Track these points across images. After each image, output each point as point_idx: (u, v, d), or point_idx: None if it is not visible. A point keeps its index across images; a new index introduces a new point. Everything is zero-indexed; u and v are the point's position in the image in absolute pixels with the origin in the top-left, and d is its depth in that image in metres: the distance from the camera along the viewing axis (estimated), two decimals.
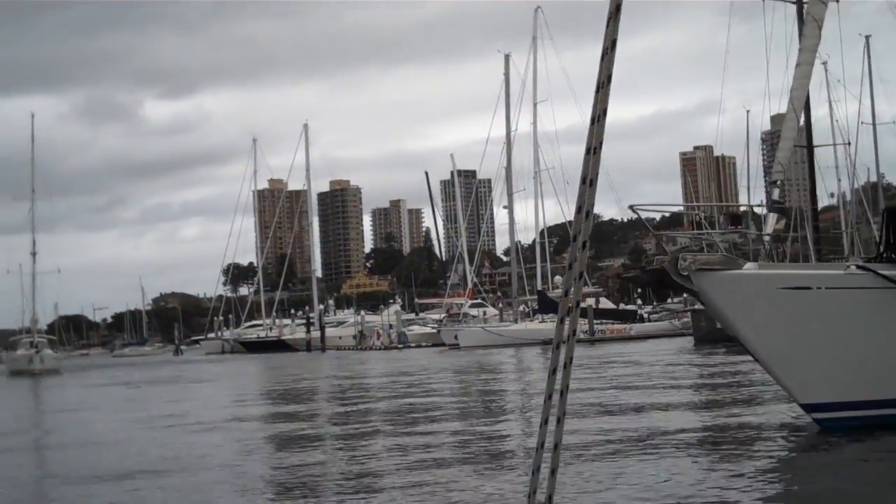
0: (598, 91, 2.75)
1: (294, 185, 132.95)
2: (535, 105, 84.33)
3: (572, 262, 2.97)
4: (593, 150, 2.73)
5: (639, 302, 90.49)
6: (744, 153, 75.20)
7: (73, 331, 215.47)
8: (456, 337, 77.04)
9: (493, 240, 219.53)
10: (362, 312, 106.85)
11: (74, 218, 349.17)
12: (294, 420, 23.02)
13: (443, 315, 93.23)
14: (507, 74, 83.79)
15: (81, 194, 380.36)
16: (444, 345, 79.26)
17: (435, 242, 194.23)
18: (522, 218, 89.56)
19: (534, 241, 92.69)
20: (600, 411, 20.33)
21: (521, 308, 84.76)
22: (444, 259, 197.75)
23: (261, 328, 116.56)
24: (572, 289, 3.20)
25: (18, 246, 79.83)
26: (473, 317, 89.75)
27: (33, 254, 78.84)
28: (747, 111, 76.01)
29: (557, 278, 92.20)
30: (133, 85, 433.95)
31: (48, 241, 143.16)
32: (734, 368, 29.74)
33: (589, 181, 2.77)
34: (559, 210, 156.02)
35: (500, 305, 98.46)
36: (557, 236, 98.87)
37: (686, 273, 14.05)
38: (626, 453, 14.28)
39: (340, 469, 14.30)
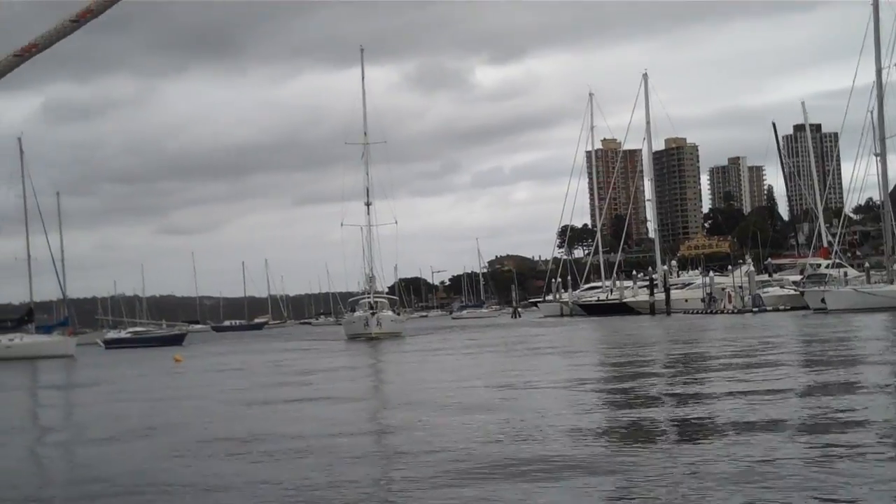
0: None
1: (628, 144, 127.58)
2: None
3: None
4: None
5: None
6: None
7: (412, 293, 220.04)
8: (823, 300, 69.11)
9: (840, 196, 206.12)
10: (711, 273, 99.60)
11: (410, 184, 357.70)
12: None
13: (803, 277, 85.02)
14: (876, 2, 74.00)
15: (416, 161, 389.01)
16: (805, 308, 71.86)
17: (785, 199, 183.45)
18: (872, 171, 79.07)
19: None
20: None
21: (894, 267, 75.34)
22: (790, 217, 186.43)
23: (600, 290, 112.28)
24: None
25: (358, 211, 77.42)
26: (834, 278, 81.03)
27: (367, 204, 76.57)
28: None
29: None
30: (462, 52, 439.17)
31: (386, 207, 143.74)
32: None
33: None
34: None
35: (867, 265, 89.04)
36: None
37: None
38: None
39: None
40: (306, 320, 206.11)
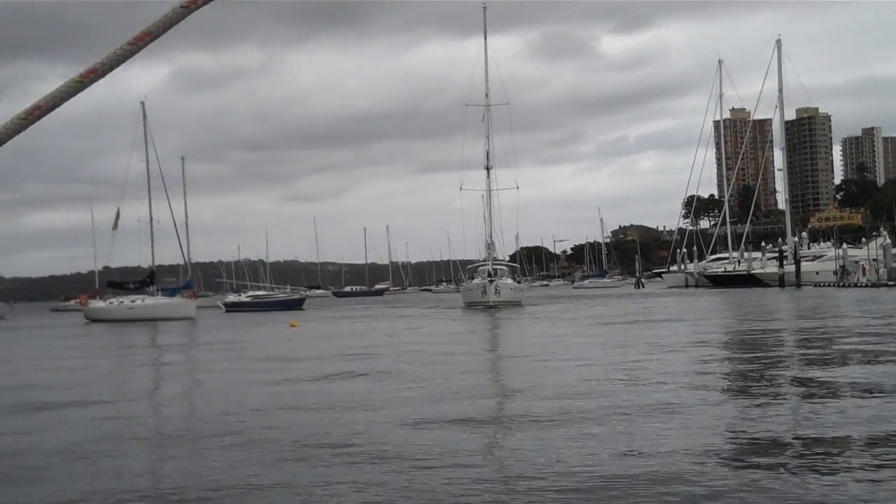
0: None
1: (758, 114, 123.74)
2: None
3: None
4: None
5: None
6: None
7: (534, 261, 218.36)
8: None
9: None
10: (844, 245, 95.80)
11: (533, 153, 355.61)
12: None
13: None
14: None
15: (539, 129, 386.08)
16: None
17: None
18: None
19: None
20: None
21: None
22: None
23: (727, 262, 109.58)
24: None
25: (478, 179, 75.56)
26: None
27: (488, 168, 74.45)
28: None
29: None
30: (588, 20, 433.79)
31: (508, 175, 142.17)
32: None
33: None
34: None
35: None
36: None
37: None
38: None
39: None
40: (427, 287, 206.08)
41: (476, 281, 71.68)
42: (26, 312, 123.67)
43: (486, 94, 74.11)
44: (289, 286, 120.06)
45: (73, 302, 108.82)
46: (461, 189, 76.00)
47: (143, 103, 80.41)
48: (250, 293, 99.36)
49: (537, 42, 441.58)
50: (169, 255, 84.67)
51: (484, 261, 75.39)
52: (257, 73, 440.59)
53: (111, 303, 76.85)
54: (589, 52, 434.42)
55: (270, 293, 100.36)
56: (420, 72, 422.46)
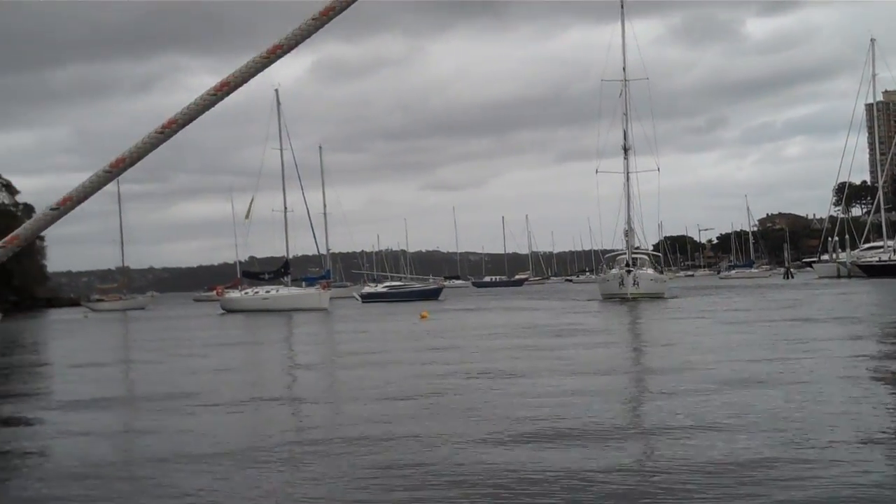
0: None
1: None
2: None
3: None
4: None
5: None
6: None
7: (678, 251, 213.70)
8: None
9: None
10: None
11: (676, 139, 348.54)
12: None
13: None
14: None
15: (682, 116, 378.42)
16: None
17: None
18: None
19: None
20: None
21: None
22: None
23: (881, 251, 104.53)
24: None
25: (618, 166, 72.39)
26: None
27: (626, 148, 70.60)
28: None
29: None
30: (732, 3, 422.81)
31: (648, 162, 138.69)
32: None
33: None
34: None
35: None
36: None
37: None
38: None
39: None
40: (568, 277, 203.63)
41: (613, 271, 68.13)
42: (170, 302, 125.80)
43: (624, 69, 70.50)
44: (431, 276, 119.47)
45: (214, 292, 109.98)
46: (597, 172, 72.08)
47: (276, 91, 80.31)
48: (387, 283, 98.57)
49: (679, 26, 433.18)
50: (311, 244, 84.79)
51: (623, 250, 71.76)
52: (399, 62, 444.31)
53: (246, 293, 76.89)
54: (733, 36, 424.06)
55: (407, 283, 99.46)
56: (560, 58, 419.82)
